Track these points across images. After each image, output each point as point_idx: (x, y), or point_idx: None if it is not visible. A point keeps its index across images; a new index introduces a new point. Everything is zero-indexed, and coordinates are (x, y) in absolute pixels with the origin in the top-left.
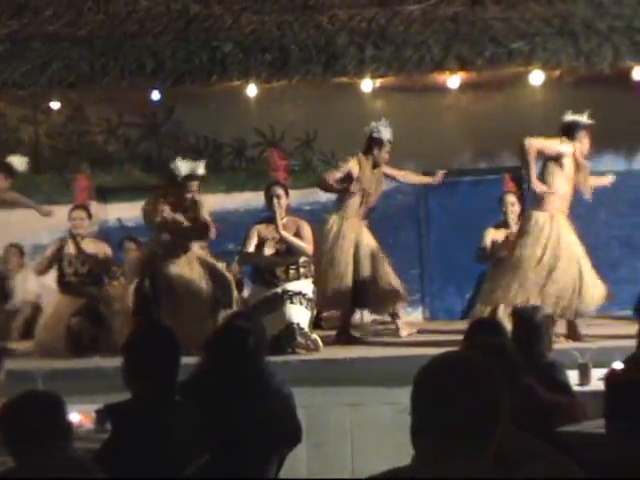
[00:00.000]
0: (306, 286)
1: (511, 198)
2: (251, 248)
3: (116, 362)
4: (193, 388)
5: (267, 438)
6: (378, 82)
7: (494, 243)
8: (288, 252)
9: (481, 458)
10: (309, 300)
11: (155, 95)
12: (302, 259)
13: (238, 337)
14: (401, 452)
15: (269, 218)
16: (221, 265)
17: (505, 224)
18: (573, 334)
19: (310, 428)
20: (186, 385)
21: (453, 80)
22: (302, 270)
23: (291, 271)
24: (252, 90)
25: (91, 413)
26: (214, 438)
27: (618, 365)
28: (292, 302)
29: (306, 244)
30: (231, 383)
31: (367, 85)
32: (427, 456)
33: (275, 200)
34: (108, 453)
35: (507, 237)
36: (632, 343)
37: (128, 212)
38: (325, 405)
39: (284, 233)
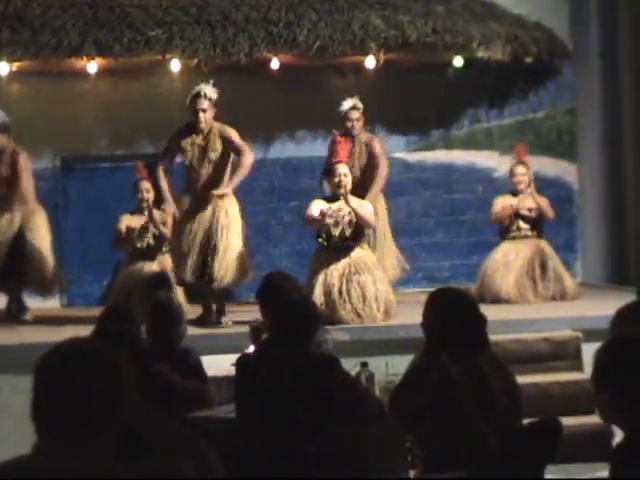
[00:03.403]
0: None
1: (146, 184)
2: None
3: None
4: None
5: None
6: (15, 66)
7: (129, 229)
8: None
9: (100, 444)
10: None
11: None
12: None
13: None
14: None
15: None
16: None
17: (140, 210)
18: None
19: None
20: None
21: (91, 66)
22: None
23: None
24: None
25: None
26: None
27: (250, 350)
28: None
29: None
30: None
31: (3, 69)
32: (45, 444)
33: None
34: None
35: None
36: None
37: None
38: None
39: None
